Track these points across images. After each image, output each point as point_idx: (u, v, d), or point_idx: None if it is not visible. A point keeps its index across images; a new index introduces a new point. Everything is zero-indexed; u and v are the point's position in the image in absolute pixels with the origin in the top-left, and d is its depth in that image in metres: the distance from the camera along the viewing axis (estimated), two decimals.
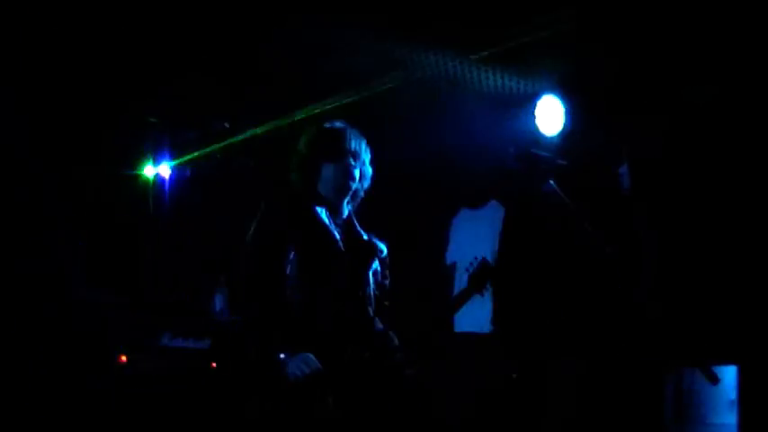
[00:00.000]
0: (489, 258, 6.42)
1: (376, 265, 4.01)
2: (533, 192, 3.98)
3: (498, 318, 6.44)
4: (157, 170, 6.24)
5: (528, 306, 6.19)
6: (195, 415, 5.48)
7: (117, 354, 5.55)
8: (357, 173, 3.99)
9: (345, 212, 4.03)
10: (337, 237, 3.88)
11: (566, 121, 5.81)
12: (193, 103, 6.20)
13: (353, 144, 4.00)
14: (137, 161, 6.22)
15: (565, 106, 5.80)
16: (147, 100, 6.14)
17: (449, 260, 6.65)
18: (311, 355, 3.62)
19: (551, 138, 5.86)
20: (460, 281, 6.27)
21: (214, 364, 5.72)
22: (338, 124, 4.06)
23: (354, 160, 3.99)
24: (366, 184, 4.08)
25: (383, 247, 4.08)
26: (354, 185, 4.01)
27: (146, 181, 6.27)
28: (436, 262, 6.65)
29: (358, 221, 4.06)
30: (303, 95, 6.13)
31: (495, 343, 6.38)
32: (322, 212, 3.90)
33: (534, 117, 5.87)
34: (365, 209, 4.03)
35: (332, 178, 3.96)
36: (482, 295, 3.85)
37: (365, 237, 4.02)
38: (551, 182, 3.78)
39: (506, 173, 4.85)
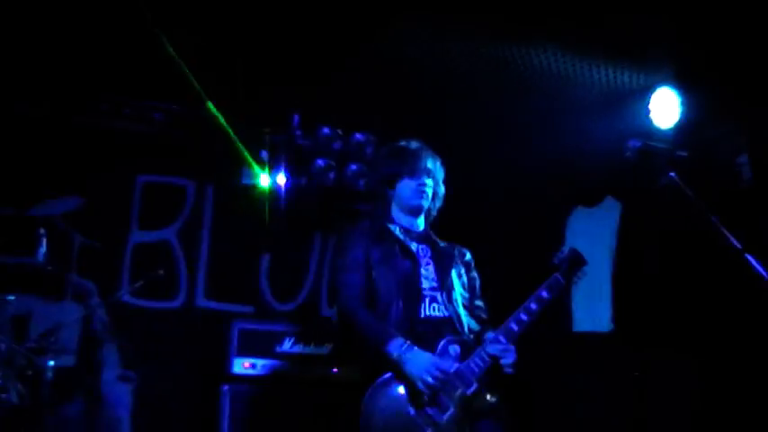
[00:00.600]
0: (608, 256, 6.34)
1: (459, 268, 4.07)
2: (652, 186, 3.91)
3: (619, 316, 6.34)
4: (273, 180, 6.36)
5: (649, 303, 6.06)
6: (316, 420, 5.57)
7: (240, 360, 5.68)
8: (431, 192, 4.08)
9: (421, 227, 4.11)
10: (413, 248, 3.97)
11: (682, 112, 5.68)
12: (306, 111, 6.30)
13: (429, 163, 4.08)
14: (253, 171, 6.33)
15: (681, 98, 5.67)
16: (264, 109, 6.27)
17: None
18: (434, 358, 3.66)
19: (666, 131, 5.74)
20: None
21: (335, 370, 5.79)
22: (414, 144, 4.13)
23: (429, 179, 4.06)
24: (438, 203, 4.20)
25: (465, 251, 4.21)
26: (428, 204, 4.09)
27: (262, 191, 6.39)
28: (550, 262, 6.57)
29: (443, 230, 4.16)
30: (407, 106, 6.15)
31: (616, 341, 6.28)
32: (396, 229, 4.00)
33: (649, 110, 5.75)
34: (474, 211, 4.03)
35: (407, 196, 4.04)
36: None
37: (442, 244, 4.09)
38: (672, 174, 3.70)
39: (623, 168, 4.77)
